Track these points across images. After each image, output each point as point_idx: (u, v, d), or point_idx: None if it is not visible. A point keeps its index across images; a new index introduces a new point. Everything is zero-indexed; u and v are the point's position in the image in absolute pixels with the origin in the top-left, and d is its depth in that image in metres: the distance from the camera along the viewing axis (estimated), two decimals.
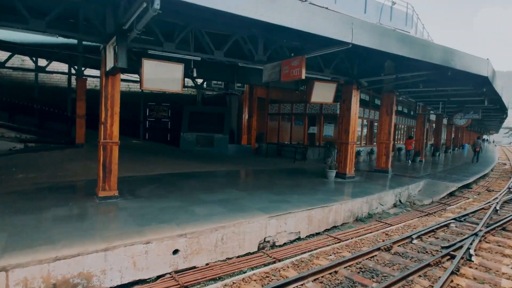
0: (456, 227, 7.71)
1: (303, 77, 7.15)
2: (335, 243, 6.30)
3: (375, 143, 21.16)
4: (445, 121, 28.09)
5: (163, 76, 6.83)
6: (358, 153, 17.33)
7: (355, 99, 10.60)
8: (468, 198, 10.96)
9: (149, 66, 6.60)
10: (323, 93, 10.27)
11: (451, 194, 11.39)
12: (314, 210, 6.87)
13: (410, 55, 7.10)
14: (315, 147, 15.94)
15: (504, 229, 7.64)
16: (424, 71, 8.57)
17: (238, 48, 8.28)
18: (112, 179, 6.49)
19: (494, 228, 7.45)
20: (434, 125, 25.96)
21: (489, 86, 10.77)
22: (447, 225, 7.63)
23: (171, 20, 6.75)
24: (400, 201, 9.96)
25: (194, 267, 5.02)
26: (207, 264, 5.15)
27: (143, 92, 16.77)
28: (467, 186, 13.05)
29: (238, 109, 17.00)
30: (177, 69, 6.97)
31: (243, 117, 16.51)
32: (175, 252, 4.84)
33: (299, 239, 6.64)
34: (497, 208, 9.28)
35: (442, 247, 6.07)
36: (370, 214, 8.45)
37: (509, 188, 13.13)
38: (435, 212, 9.04)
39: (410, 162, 16.54)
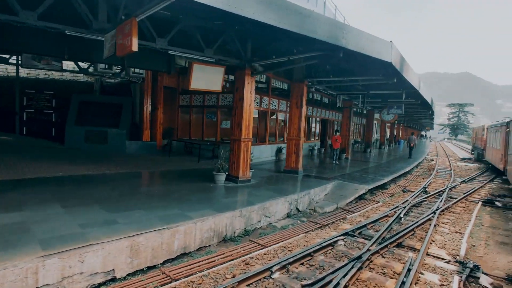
0: (344, 245, 6.20)
1: (135, 48, 5.05)
2: (163, 285, 4.35)
3: (312, 139, 20.01)
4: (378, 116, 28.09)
5: None
6: (279, 150, 15.85)
7: (249, 87, 8.79)
8: (378, 202, 9.76)
9: None
10: (207, 79, 8.32)
11: (360, 198, 10.15)
12: (143, 236, 4.84)
13: (280, 24, 5.33)
14: (228, 144, 14.02)
15: (399, 245, 6.29)
16: (316, 52, 6.95)
17: (69, 9, 5.95)
18: None
19: (387, 246, 6.05)
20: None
21: (399, 76, 9.61)
22: (334, 243, 6.09)
23: None
24: (298, 209, 8.38)
25: None
26: None
27: (18, 77, 13.55)
28: (383, 187, 12.03)
29: (142, 99, 14.51)
30: None
31: (145, 109, 14.06)
32: None
33: (113, 280, 4.58)
34: (402, 215, 8.06)
35: (303, 287, 4.40)
36: (247, 230, 6.66)
37: (425, 188, 12.36)
38: (332, 223, 7.55)
39: (336, 162, 15.00)
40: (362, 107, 13.76)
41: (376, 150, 27.71)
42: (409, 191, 11.97)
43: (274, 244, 5.99)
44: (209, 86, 8.49)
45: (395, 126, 41.59)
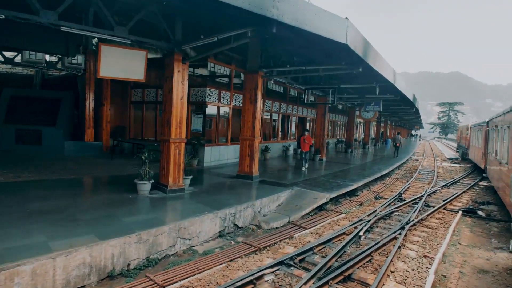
0: (273, 281, 4.67)
1: None
2: None
3: (288, 139, 18.50)
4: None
5: None
6: (266, 149, 14.30)
7: (180, 76, 7.20)
8: (340, 214, 8.27)
9: None
10: (124, 65, 6.73)
11: (321, 208, 8.64)
12: None
13: None
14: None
15: (347, 278, 4.79)
16: (241, 28, 5.40)
17: None
18: None
19: (328, 282, 4.55)
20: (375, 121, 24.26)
21: (365, 65, 8.11)
22: (257, 279, 4.56)
23: None
24: (236, 225, 6.83)
25: None
26: None
27: None
28: (353, 193, 10.57)
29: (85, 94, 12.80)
30: None
31: (87, 105, 12.35)
32: None
33: None
34: (362, 233, 6.57)
35: None
36: (151, 260, 5.08)
37: (401, 194, 10.93)
38: (272, 245, 6.02)
39: (304, 168, 12.69)
40: (333, 103, 12.27)
41: (360, 150, 26.37)
42: (382, 198, 10.52)
43: (175, 282, 4.43)
44: (127, 74, 6.89)
45: (382, 124, 40.42)
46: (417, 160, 24.60)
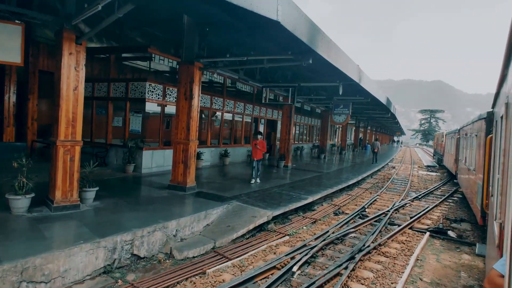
0: None
1: None
2: None
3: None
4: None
5: None
6: (197, 156, 12.71)
7: (73, 60, 5.57)
8: (284, 236, 6.79)
9: None
10: None
11: (262, 228, 7.14)
12: None
13: None
14: (120, 147, 10.73)
15: None
16: None
17: None
18: None
19: None
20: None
21: (315, 55, 6.70)
22: None
23: None
24: (137, 255, 5.22)
25: None
26: None
27: None
28: (309, 207, 9.14)
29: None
30: None
31: (6, 99, 10.50)
32: None
33: None
34: (295, 268, 5.08)
35: None
36: None
37: (364, 209, 9.57)
38: (173, 287, 4.46)
39: (255, 181, 10.28)
40: (292, 103, 10.84)
41: (336, 156, 25.18)
42: (342, 213, 9.12)
43: None
44: None
45: (361, 130, 39.60)
46: (394, 168, 23.56)
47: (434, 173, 21.32)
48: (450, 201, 12.12)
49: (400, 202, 10.80)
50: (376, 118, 27.77)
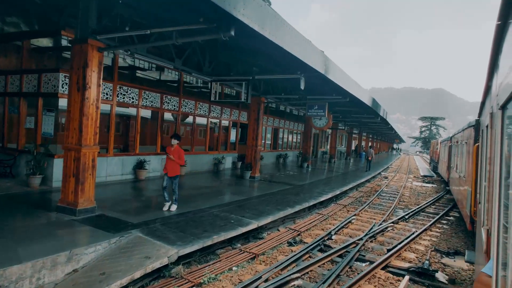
0: None
1: None
2: None
3: (227, 150, 14.82)
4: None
5: None
6: (140, 165, 10.68)
7: None
8: (193, 286, 4.62)
9: None
10: None
11: (161, 275, 4.97)
12: None
13: None
14: (29, 153, 8.60)
15: None
16: None
17: None
18: None
19: None
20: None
21: (240, 25, 4.64)
22: None
23: None
24: None
25: None
26: None
27: None
28: (256, 234, 6.98)
29: None
30: None
31: None
32: None
33: None
34: None
35: None
36: None
37: (330, 236, 7.41)
38: None
39: (171, 206, 7.11)
40: (246, 100, 8.74)
41: (322, 165, 23.02)
42: (300, 242, 6.97)
43: None
44: None
45: (355, 136, 37.52)
46: (386, 178, 21.35)
47: (430, 185, 19.08)
48: (445, 222, 9.94)
49: (380, 224, 8.63)
50: (368, 124, 25.67)
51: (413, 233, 7.99)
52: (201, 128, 13.91)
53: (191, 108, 12.70)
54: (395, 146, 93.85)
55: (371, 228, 8.09)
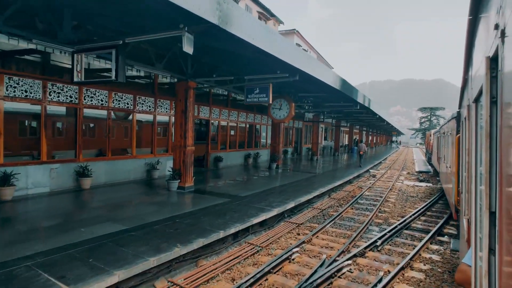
0: None
1: None
2: None
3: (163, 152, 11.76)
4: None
5: None
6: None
7: None
8: None
9: None
10: None
11: None
12: None
13: None
14: None
15: None
16: None
17: None
18: None
19: None
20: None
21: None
22: None
23: None
24: None
25: None
26: None
27: None
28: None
29: None
30: None
31: None
32: None
33: None
34: None
35: None
36: None
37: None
38: None
39: None
40: (116, 79, 5.57)
41: (299, 164, 19.97)
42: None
43: None
44: None
45: (347, 130, 34.47)
46: (374, 176, 18.25)
47: (424, 184, 15.96)
48: (436, 247, 6.86)
49: (332, 263, 5.57)
50: (353, 115, 22.58)
51: (379, 280, 4.94)
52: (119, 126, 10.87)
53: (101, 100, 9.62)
54: (394, 138, 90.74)
55: (314, 272, 5.06)
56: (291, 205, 8.71)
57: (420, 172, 21.19)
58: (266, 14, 38.46)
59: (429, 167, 23.81)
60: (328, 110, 18.76)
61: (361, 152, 20.74)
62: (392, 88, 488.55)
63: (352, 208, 10.04)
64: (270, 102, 8.80)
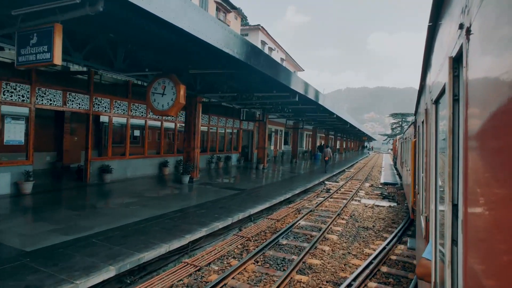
0: None
1: None
2: None
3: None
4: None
5: None
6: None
7: None
8: None
9: None
10: None
11: None
12: None
13: None
14: None
15: None
16: None
17: None
18: None
19: None
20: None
21: None
22: None
23: None
24: None
25: None
26: None
27: None
28: None
29: None
30: None
31: None
32: None
33: None
34: None
35: None
36: None
37: None
38: None
39: None
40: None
41: (242, 173, 15.72)
42: None
43: None
44: None
45: (310, 134, 30.75)
46: (328, 191, 14.26)
47: (386, 204, 12.04)
48: None
49: None
50: (317, 119, 18.76)
51: None
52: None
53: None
54: (365, 144, 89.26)
55: None
56: (139, 261, 4.32)
57: (385, 184, 17.47)
58: (226, 6, 34.08)
59: (397, 177, 20.23)
60: (259, 103, 14.52)
61: (326, 158, 20.12)
62: (366, 95, 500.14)
63: (257, 262, 5.79)
64: (54, 62, 4.41)
